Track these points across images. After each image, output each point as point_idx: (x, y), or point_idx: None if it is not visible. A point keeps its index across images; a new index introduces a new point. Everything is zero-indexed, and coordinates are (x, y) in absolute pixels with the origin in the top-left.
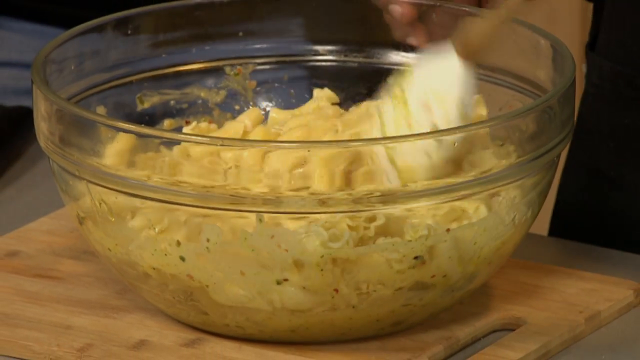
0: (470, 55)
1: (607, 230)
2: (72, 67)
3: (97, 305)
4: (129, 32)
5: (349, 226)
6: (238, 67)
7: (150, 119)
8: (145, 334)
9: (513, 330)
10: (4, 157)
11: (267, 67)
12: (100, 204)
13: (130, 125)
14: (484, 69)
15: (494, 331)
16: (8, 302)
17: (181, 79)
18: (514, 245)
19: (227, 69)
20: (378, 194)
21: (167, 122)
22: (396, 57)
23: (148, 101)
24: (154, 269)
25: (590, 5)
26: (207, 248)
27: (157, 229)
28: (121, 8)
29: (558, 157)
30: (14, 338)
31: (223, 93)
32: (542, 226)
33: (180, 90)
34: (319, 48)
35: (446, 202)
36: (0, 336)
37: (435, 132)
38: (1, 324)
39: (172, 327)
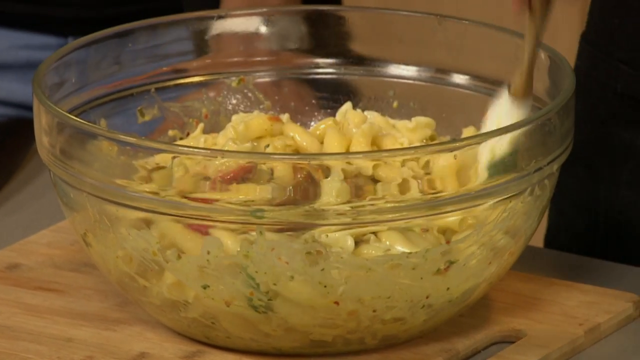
0: (527, 94)
1: (599, 240)
2: (73, 80)
3: (98, 317)
4: (130, 44)
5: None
6: (241, 76)
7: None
8: (145, 346)
9: (513, 342)
10: (4, 169)
11: (267, 79)
12: (100, 216)
13: (131, 138)
14: (479, 80)
15: (494, 343)
16: (9, 314)
17: (181, 91)
18: (515, 258)
19: (227, 80)
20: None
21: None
22: (396, 70)
23: (149, 114)
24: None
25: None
26: (208, 261)
27: (158, 242)
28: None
29: (558, 169)
30: (14, 350)
31: (222, 104)
32: (538, 238)
33: (182, 102)
34: (320, 61)
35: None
36: (1, 349)
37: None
38: (2, 337)
39: (172, 339)
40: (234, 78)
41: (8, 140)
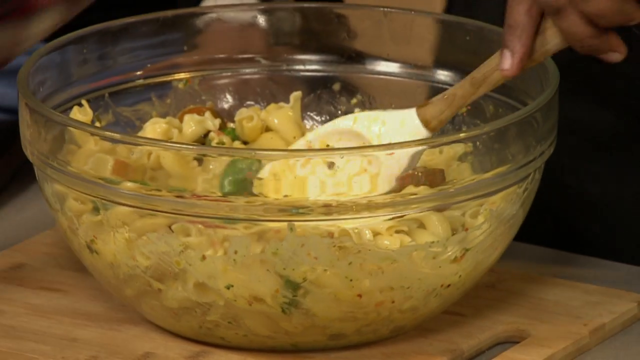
0: (431, 129)
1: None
2: (40, 90)
3: (102, 317)
4: (84, 50)
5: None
6: (187, 79)
7: None
8: (150, 346)
9: (517, 342)
10: (7, 169)
11: (218, 81)
12: (114, 221)
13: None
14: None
15: (498, 344)
16: (13, 314)
17: (134, 96)
18: (500, 253)
19: (174, 83)
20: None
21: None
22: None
23: (104, 119)
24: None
25: None
26: (234, 260)
27: (181, 244)
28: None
29: (541, 167)
30: (20, 351)
31: (170, 106)
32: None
33: (132, 107)
34: (311, 57)
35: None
36: (6, 349)
37: (425, 140)
38: (7, 337)
39: (176, 339)
40: (181, 79)
41: (11, 141)
